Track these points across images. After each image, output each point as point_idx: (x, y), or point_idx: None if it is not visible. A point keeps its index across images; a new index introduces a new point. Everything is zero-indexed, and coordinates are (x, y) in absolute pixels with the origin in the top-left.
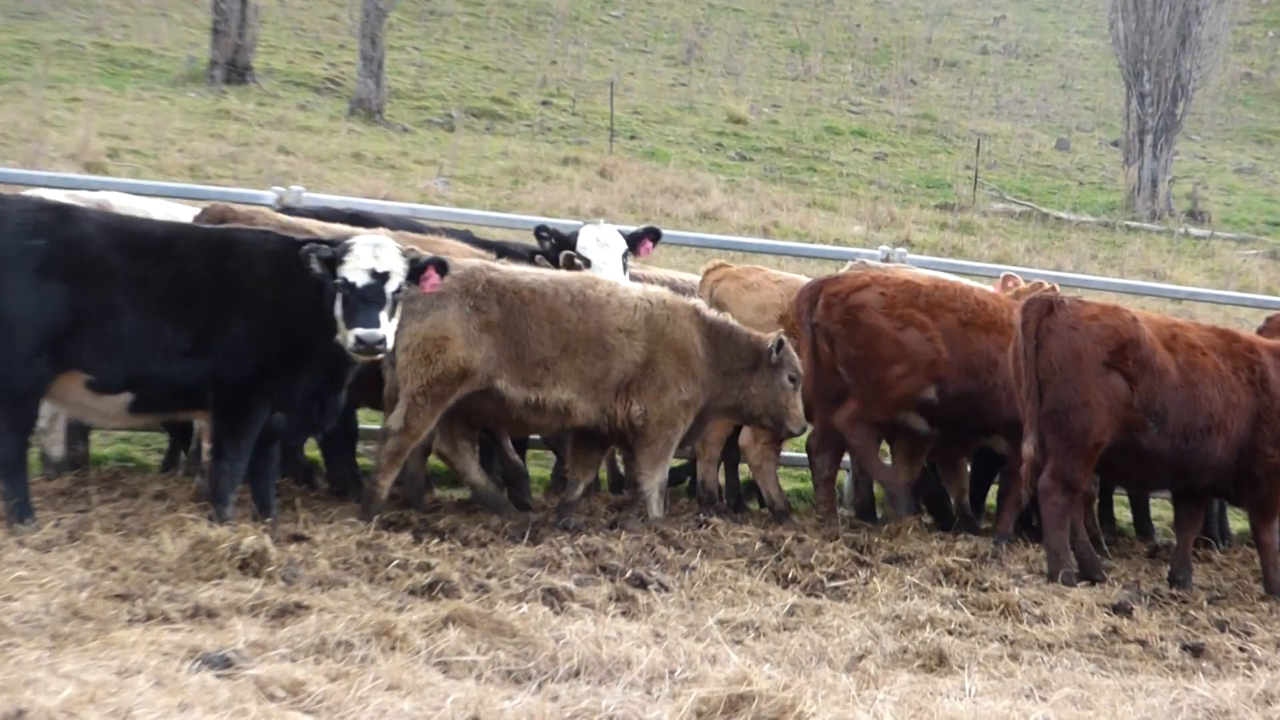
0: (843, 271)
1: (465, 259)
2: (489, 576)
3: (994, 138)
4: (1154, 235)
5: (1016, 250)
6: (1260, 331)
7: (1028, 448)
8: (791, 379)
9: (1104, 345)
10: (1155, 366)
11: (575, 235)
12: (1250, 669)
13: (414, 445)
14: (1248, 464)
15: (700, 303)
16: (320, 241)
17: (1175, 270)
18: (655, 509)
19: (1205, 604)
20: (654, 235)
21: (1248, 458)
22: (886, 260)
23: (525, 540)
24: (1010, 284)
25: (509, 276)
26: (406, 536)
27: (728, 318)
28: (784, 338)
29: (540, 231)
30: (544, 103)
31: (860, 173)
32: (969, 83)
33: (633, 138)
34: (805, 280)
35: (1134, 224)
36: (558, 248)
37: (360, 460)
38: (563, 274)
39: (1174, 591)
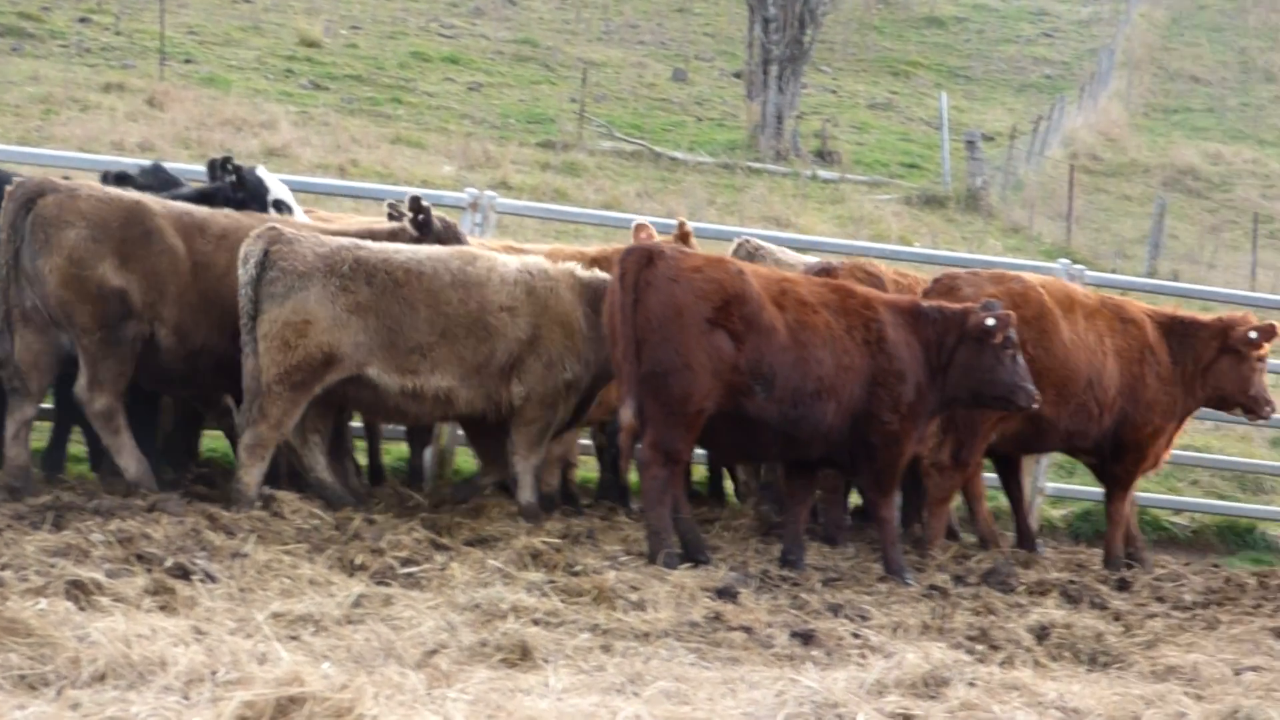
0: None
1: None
2: (3, 568)
3: (603, 67)
4: (779, 178)
5: (626, 195)
6: (927, 294)
7: (626, 414)
8: None
9: (707, 300)
10: (763, 325)
11: (255, 177)
12: (864, 657)
13: (278, 437)
14: (863, 432)
15: (578, 267)
16: None
17: (801, 217)
18: (529, 493)
19: (819, 586)
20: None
21: (863, 425)
22: (474, 206)
23: (49, 526)
24: (644, 234)
25: (381, 255)
26: None
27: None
28: None
29: (225, 164)
30: (82, 19)
31: (452, 105)
32: (575, 4)
33: (187, 61)
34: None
35: (757, 165)
36: (238, 189)
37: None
38: (439, 251)
39: (785, 573)
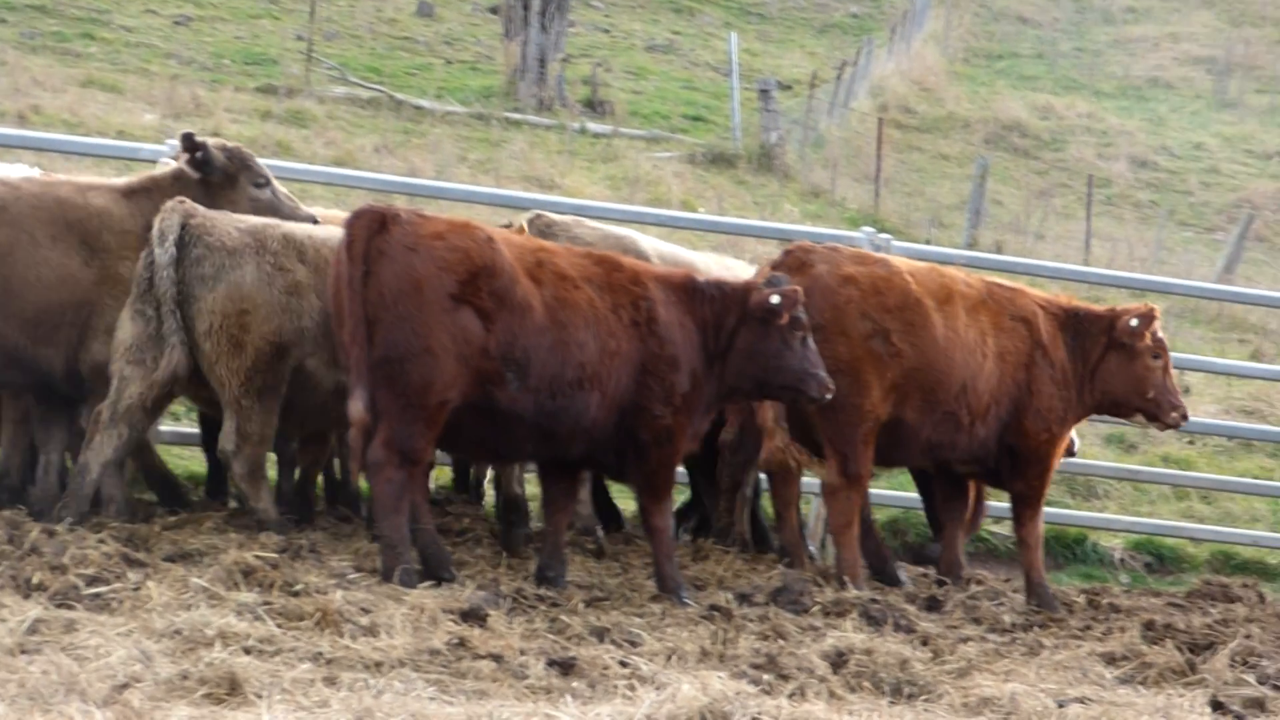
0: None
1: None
2: None
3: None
4: (541, 132)
5: (362, 150)
6: (776, 266)
7: (356, 407)
8: None
9: (451, 273)
10: (517, 302)
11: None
12: (632, 688)
13: (266, 449)
14: (632, 427)
15: None
16: None
17: (568, 177)
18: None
19: (581, 607)
20: None
21: (631, 419)
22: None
23: None
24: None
25: (306, 232)
26: None
27: None
28: None
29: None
30: None
31: (154, 42)
32: None
33: None
34: None
35: (516, 116)
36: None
37: None
38: None
39: (542, 592)
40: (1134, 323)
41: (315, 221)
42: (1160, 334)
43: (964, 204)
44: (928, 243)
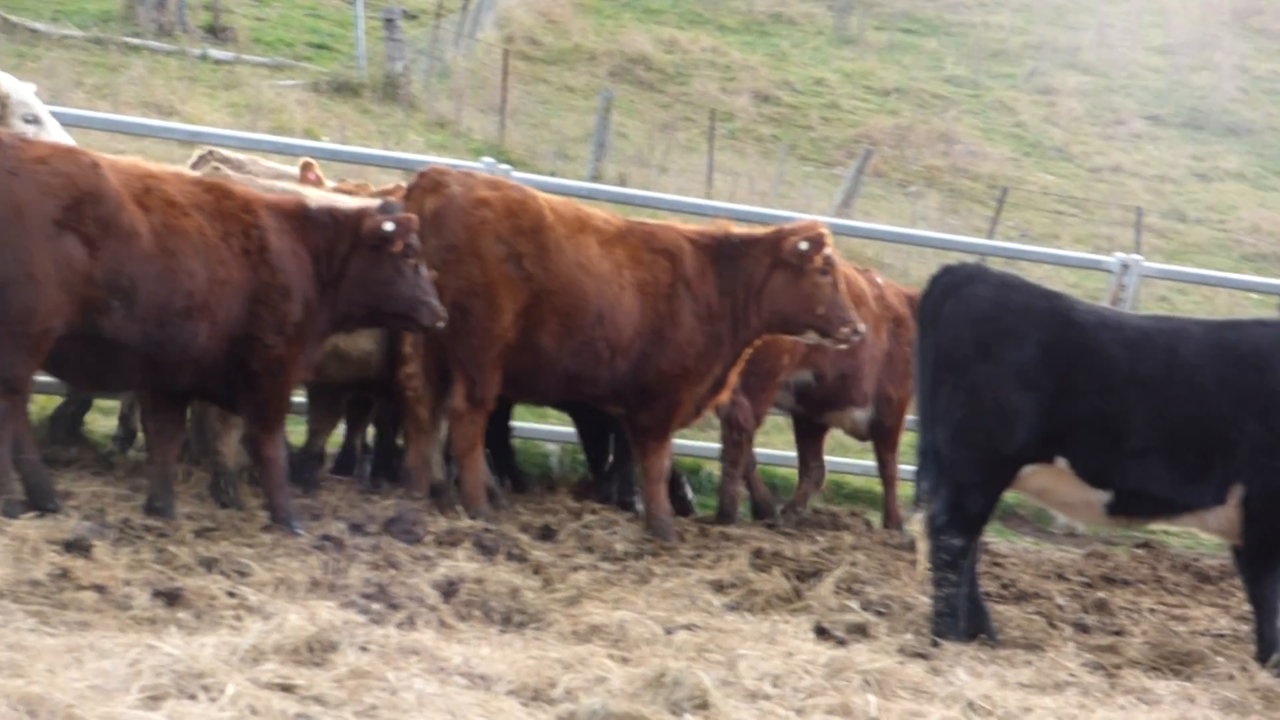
0: None
1: None
2: None
3: None
4: (162, 57)
5: None
6: (410, 190)
7: None
8: None
9: (55, 198)
10: (123, 229)
11: None
12: (239, 619)
13: None
14: (243, 357)
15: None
16: None
17: (188, 104)
18: None
19: (190, 538)
20: None
21: (243, 349)
22: None
23: None
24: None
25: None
26: None
27: None
28: None
29: None
30: None
31: None
32: None
33: None
34: None
35: (135, 41)
36: None
37: None
38: None
39: (150, 523)
40: (804, 246)
41: None
42: (829, 252)
43: (589, 136)
44: (552, 175)
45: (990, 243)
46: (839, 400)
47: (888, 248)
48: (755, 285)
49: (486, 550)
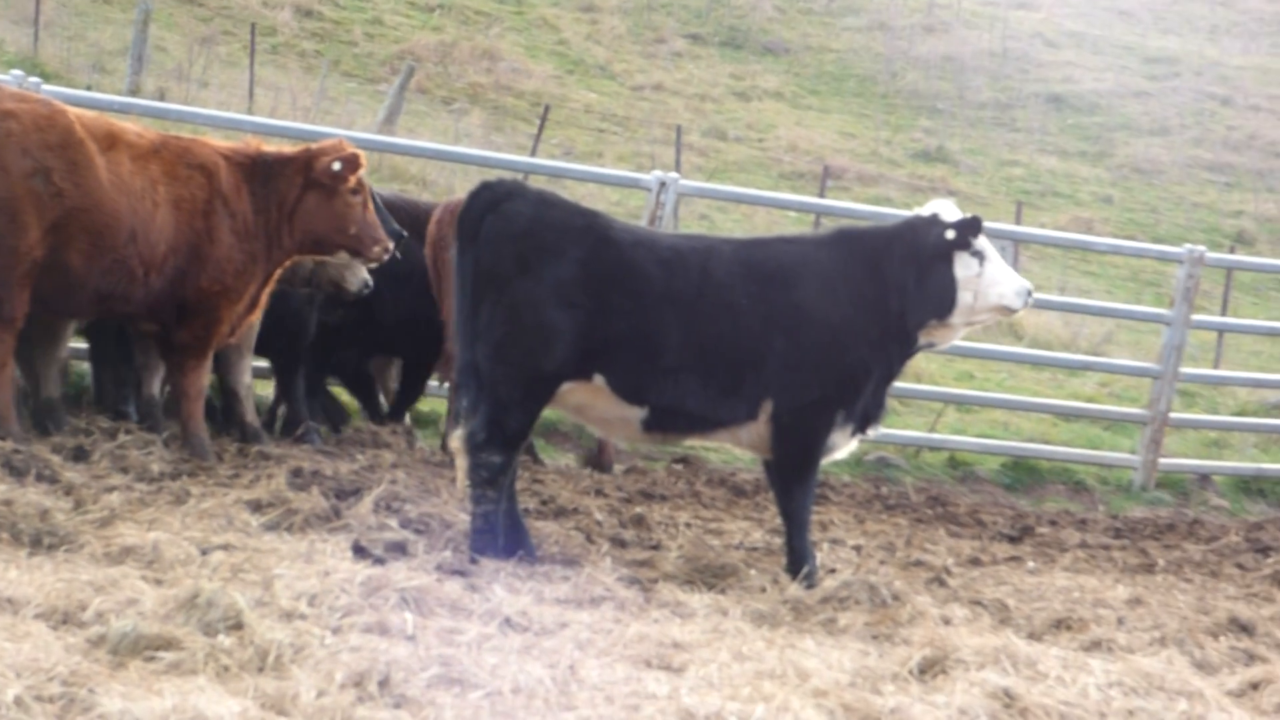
0: None
1: None
2: None
3: None
4: None
5: None
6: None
7: None
8: None
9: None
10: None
11: None
12: None
13: None
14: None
15: None
16: None
17: None
18: None
19: None
20: None
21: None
22: None
23: None
24: None
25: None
26: None
27: None
28: None
29: None
30: None
31: None
32: None
33: None
34: None
35: None
36: None
37: None
38: None
39: None
40: (336, 166)
41: None
42: (361, 173)
43: (127, 50)
44: (89, 89)
45: (533, 160)
46: None
47: (431, 165)
48: (288, 205)
49: (16, 472)
